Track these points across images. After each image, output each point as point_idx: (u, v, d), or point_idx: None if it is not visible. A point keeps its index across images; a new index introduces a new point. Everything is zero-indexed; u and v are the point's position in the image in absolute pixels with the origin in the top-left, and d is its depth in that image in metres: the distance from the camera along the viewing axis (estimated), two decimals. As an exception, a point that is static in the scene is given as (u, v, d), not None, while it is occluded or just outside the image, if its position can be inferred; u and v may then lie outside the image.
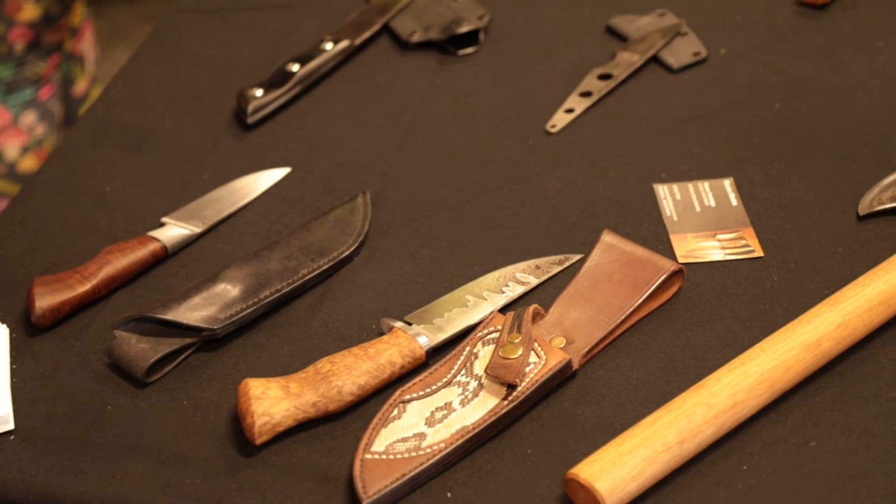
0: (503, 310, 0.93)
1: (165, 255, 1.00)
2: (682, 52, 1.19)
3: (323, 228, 1.00)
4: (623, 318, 0.90)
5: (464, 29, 1.21)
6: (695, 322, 0.91)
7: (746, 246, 0.97)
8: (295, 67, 1.16)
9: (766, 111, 1.11)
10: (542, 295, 0.95)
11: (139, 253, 0.98)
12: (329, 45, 1.20)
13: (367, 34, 1.23)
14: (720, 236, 0.98)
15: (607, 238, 0.96)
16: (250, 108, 1.13)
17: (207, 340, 0.91)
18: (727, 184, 1.03)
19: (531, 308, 0.90)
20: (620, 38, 1.22)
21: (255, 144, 1.12)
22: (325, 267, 0.97)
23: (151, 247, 0.99)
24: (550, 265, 0.97)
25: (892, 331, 0.88)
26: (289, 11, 1.29)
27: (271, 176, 1.08)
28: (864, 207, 0.98)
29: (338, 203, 1.03)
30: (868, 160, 1.04)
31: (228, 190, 1.06)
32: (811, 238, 0.97)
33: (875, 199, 0.99)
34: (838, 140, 1.06)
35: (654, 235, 0.99)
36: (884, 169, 1.02)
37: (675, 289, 0.93)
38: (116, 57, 2.34)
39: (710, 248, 0.97)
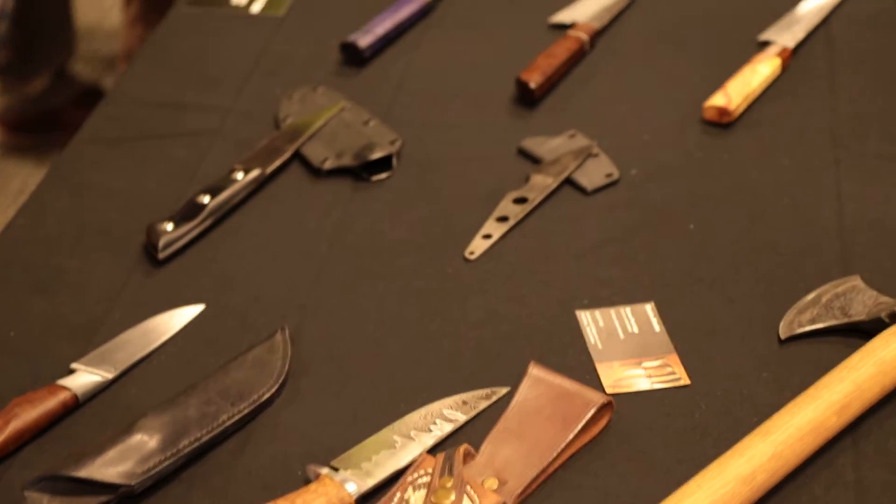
0: (432, 450, 0.91)
1: (76, 405, 0.96)
2: (594, 173, 1.19)
3: (241, 370, 0.97)
4: (555, 455, 0.88)
5: (377, 155, 1.20)
6: (627, 456, 0.90)
7: (672, 374, 0.97)
8: (206, 199, 1.14)
9: (680, 232, 1.11)
10: (471, 432, 0.93)
11: (49, 404, 0.94)
12: (240, 175, 1.17)
13: (278, 162, 1.21)
14: (646, 364, 0.98)
15: (534, 371, 0.95)
16: (161, 243, 1.10)
17: (124, 497, 0.87)
18: (649, 309, 1.03)
19: (461, 448, 0.88)
20: (533, 160, 1.22)
21: (166, 281, 1.09)
22: (246, 411, 0.94)
23: (61, 396, 0.95)
24: (477, 400, 0.95)
25: (822, 459, 0.88)
26: (194, 139, 1.27)
27: (185, 314, 1.05)
28: (784, 330, 0.99)
29: (255, 341, 1.01)
30: (784, 281, 1.05)
31: (141, 330, 1.03)
32: (735, 363, 0.97)
33: (794, 321, 1.00)
34: (754, 261, 1.08)
35: (580, 365, 0.98)
36: (799, 289, 1.03)
37: (605, 421, 0.92)
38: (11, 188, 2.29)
39: (637, 377, 0.97)
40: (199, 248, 1.12)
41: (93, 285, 1.08)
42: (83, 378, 0.97)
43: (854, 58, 1.34)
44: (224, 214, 1.16)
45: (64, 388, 0.95)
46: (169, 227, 1.11)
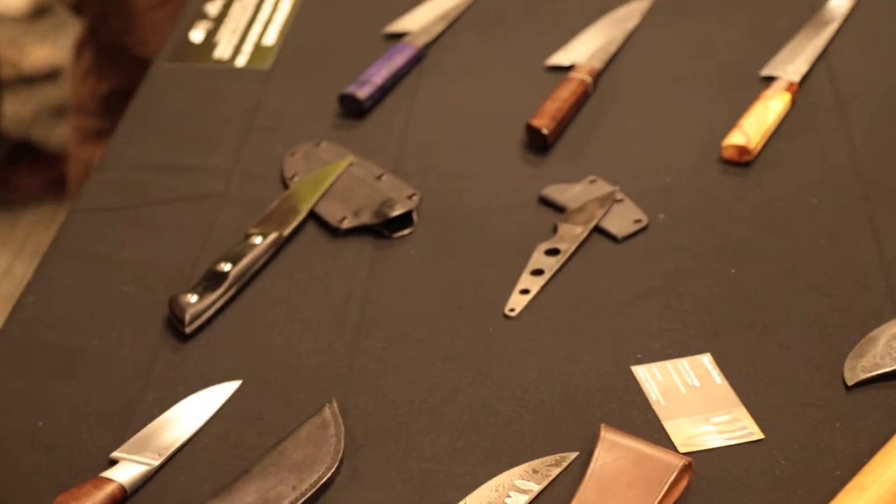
0: (511, 525, 0.86)
1: (125, 497, 0.89)
2: (623, 220, 1.17)
3: (296, 450, 0.92)
4: (644, 523, 0.85)
5: (397, 212, 1.16)
6: (714, 519, 0.87)
7: (744, 428, 0.94)
8: (226, 267, 1.09)
9: (723, 278, 1.09)
10: (545, 502, 0.89)
11: (96, 499, 0.88)
12: (258, 239, 1.12)
13: (294, 223, 1.16)
14: (714, 419, 0.95)
15: (608, 435, 0.91)
16: (188, 316, 1.04)
17: None
18: (706, 360, 1.00)
19: (546, 522, 0.84)
20: (556, 208, 1.19)
21: (197, 356, 1.03)
22: (309, 493, 0.88)
23: (108, 489, 0.89)
24: (548, 467, 0.91)
25: (916, 509, 0.86)
26: (201, 203, 1.21)
27: (223, 391, 0.99)
28: (850, 377, 0.97)
29: (302, 416, 0.95)
30: (836, 323, 1.03)
31: (179, 412, 0.97)
32: (805, 414, 0.95)
33: (858, 366, 0.97)
34: (802, 305, 1.05)
35: (646, 423, 0.95)
36: (853, 331, 1.01)
37: (685, 483, 0.89)
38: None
39: (708, 434, 0.93)
40: (226, 319, 1.07)
41: (119, 365, 1.02)
42: (128, 468, 0.90)
43: (859, 88, 1.33)
44: (247, 282, 1.10)
45: (109, 480, 0.89)
46: (193, 298, 1.05)
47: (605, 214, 1.17)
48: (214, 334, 1.05)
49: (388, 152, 1.28)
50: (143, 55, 1.90)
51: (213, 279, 1.08)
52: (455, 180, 1.24)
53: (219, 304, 1.07)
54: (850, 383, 0.96)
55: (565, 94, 1.32)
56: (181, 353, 1.03)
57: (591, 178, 1.22)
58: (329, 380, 1.00)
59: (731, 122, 1.26)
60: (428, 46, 1.44)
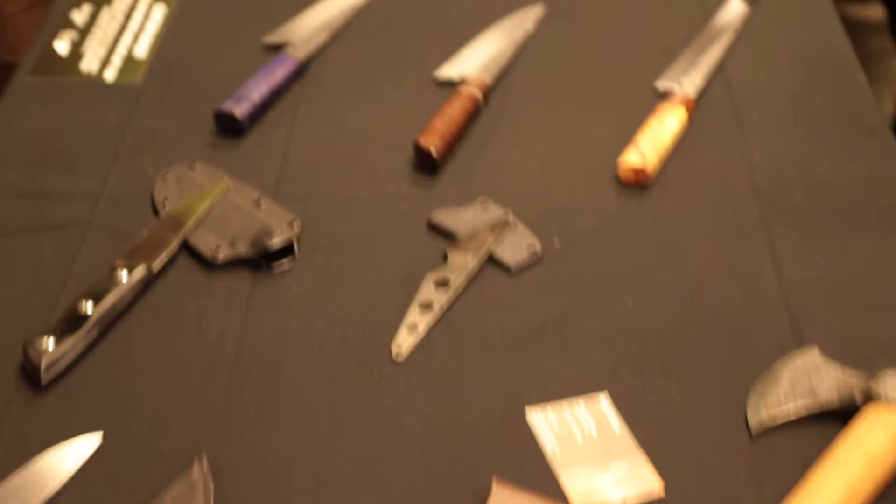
0: None
1: (-33, 578, 0.81)
2: (515, 246, 1.11)
3: (160, 515, 0.84)
4: (539, 590, 0.79)
5: (276, 241, 1.08)
6: (614, 580, 0.81)
7: (643, 480, 0.88)
8: (88, 306, 1.00)
9: (619, 310, 1.04)
10: (434, 565, 0.82)
11: (-66, 582, 0.79)
12: (124, 275, 1.04)
13: (164, 255, 1.08)
14: (613, 467, 0.89)
15: (500, 489, 0.85)
16: (43, 364, 0.95)
17: None
18: (604, 402, 0.95)
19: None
20: (446, 234, 1.12)
21: (53, 408, 0.94)
22: (175, 567, 0.81)
23: (-51, 570, 0.80)
24: (437, 527, 0.85)
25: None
26: (62, 233, 1.12)
27: (80, 447, 0.91)
28: (754, 423, 0.92)
29: (170, 474, 0.88)
30: (738, 357, 0.98)
31: (30, 473, 0.88)
32: (708, 461, 0.90)
33: (761, 407, 0.93)
34: (701, 338, 1.01)
35: (541, 473, 0.89)
36: (756, 364, 0.97)
37: (582, 541, 0.83)
38: None
39: (607, 487, 0.88)
40: (86, 365, 0.98)
41: (-35, 422, 0.93)
42: (-28, 544, 0.82)
43: (756, 101, 1.29)
44: (110, 322, 1.02)
45: (-50, 559, 0.80)
46: (49, 343, 0.96)
47: (496, 240, 1.11)
48: (73, 382, 0.97)
49: (268, 174, 1.20)
50: (12, 63, 1.78)
51: (73, 320, 0.99)
52: (339, 204, 1.17)
53: (78, 349, 0.98)
54: (754, 432, 0.91)
55: (454, 110, 1.25)
56: (35, 406, 0.95)
57: (483, 199, 1.16)
58: (199, 432, 0.92)
59: (627, 138, 1.21)
60: (310, 58, 1.36)
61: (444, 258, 1.09)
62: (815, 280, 1.06)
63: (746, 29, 1.40)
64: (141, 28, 1.43)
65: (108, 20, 1.44)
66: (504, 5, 1.45)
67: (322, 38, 1.39)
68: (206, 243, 1.10)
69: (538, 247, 1.10)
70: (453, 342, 1.01)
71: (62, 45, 1.39)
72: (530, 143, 1.25)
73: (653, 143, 1.20)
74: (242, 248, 1.08)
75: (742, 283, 1.06)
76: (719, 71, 1.33)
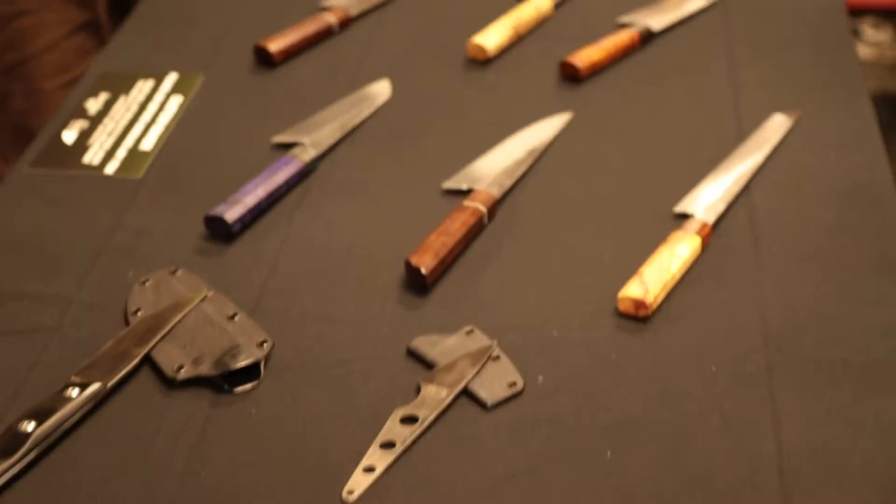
0: None
1: None
2: (495, 382, 1.03)
3: None
4: None
5: (241, 363, 1.03)
6: None
7: None
8: (30, 426, 0.95)
9: (596, 462, 0.95)
10: None
11: None
12: (74, 392, 0.99)
13: (123, 372, 1.03)
14: None
15: None
16: (-29, 489, 0.90)
17: None
18: (561, 571, 0.86)
19: None
20: (425, 364, 1.06)
21: (-23, 536, 0.90)
22: None
23: None
24: None
25: None
26: (27, 340, 1.07)
27: (-4, 584, 0.85)
28: None
29: None
30: (719, 527, 0.89)
31: None
32: None
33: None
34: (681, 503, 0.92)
35: None
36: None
37: None
38: None
39: None
40: (18, 491, 0.93)
41: None
42: None
43: (779, 232, 1.20)
44: (53, 443, 0.96)
45: None
46: (-18, 465, 0.92)
47: (476, 375, 1.04)
48: (3, 509, 0.92)
49: (252, 284, 1.15)
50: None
51: (12, 440, 0.94)
52: (318, 323, 1.11)
53: (12, 473, 0.93)
54: None
55: (454, 226, 1.19)
56: (-42, 533, 0.90)
57: (469, 328, 1.09)
58: (124, 574, 0.87)
59: (636, 266, 1.13)
60: (317, 160, 1.32)
61: (417, 391, 1.02)
62: (817, 445, 0.96)
63: (782, 148, 1.31)
64: (153, 120, 1.39)
65: (122, 110, 1.41)
66: (530, 111, 1.39)
67: (332, 138, 1.35)
68: (169, 360, 1.04)
69: (520, 385, 1.03)
70: (411, 486, 0.94)
71: (70, 135, 1.37)
72: (531, 266, 1.18)
73: (659, 274, 1.12)
74: (205, 368, 1.03)
75: (735, 441, 0.97)
76: (745, 192, 1.25)
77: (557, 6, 1.60)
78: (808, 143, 1.33)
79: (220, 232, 1.21)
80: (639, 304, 1.09)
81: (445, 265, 1.16)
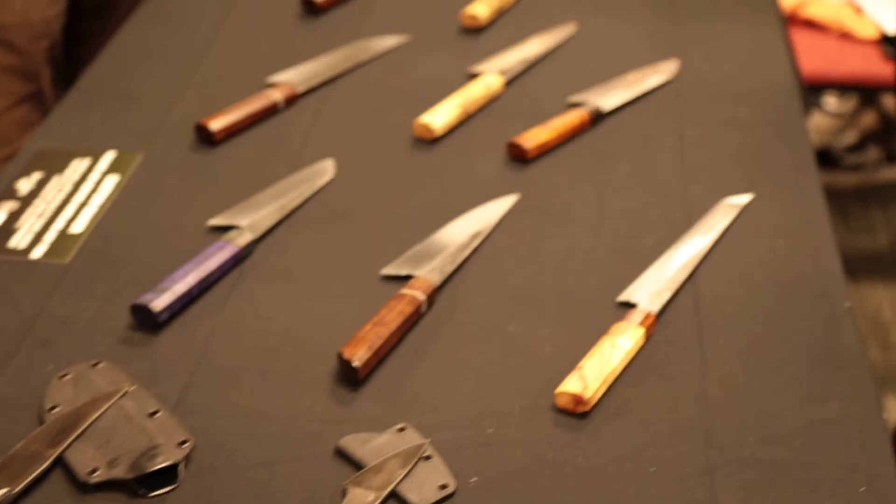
0: None
1: None
2: (426, 484, 0.99)
3: None
4: None
5: (158, 465, 0.98)
6: None
7: None
8: (-71, 535, 0.90)
9: (527, 574, 0.91)
10: None
11: None
12: (-20, 497, 0.94)
13: (33, 475, 0.97)
14: None
15: None
16: None
17: None
18: None
19: None
20: (353, 464, 1.01)
21: None
22: None
23: None
24: None
25: None
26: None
27: None
28: None
29: None
30: None
31: None
32: None
33: None
34: None
35: None
36: None
37: None
38: None
39: None
40: None
41: None
42: None
43: (725, 323, 1.17)
44: (-47, 555, 0.92)
45: None
46: None
47: (406, 476, 0.99)
48: None
49: (177, 378, 1.11)
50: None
51: None
52: (244, 419, 1.06)
53: None
54: None
55: (391, 315, 1.15)
56: None
57: (401, 425, 1.04)
58: None
59: (577, 357, 1.10)
60: (253, 244, 1.28)
61: (343, 493, 0.98)
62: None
63: (731, 233, 1.29)
64: (86, 201, 1.35)
65: (55, 190, 1.37)
66: (476, 193, 1.36)
67: (272, 221, 1.31)
68: (82, 462, 0.99)
69: (452, 487, 0.99)
70: None
71: (-1, 216, 1.33)
72: (469, 357, 1.14)
73: (600, 367, 1.08)
74: (120, 471, 0.98)
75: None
76: (691, 279, 1.22)
77: (508, 84, 1.58)
78: (757, 228, 1.30)
79: (146, 321, 1.16)
80: (577, 399, 1.06)
81: (380, 357, 1.12)
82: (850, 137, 2.96)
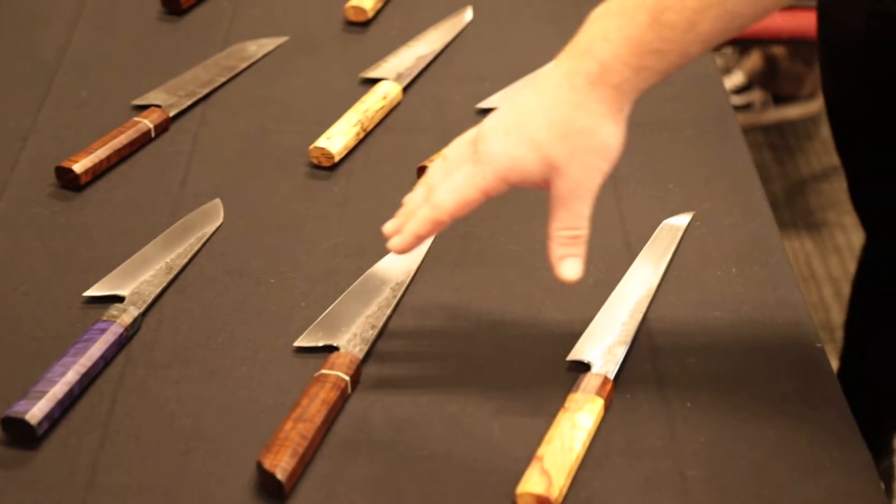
0: None
1: None
2: None
3: None
4: None
5: None
6: None
7: None
8: None
9: None
10: None
11: None
12: None
13: None
14: None
15: None
16: None
17: None
18: None
19: None
20: None
21: None
22: None
23: None
24: None
25: None
26: None
27: None
28: None
29: None
30: None
31: None
32: None
33: None
34: None
35: None
36: None
37: None
38: None
39: None
40: None
41: None
42: None
43: (687, 382, 1.03)
44: None
45: None
46: None
47: None
48: None
49: (67, 499, 0.93)
50: None
51: None
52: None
53: None
54: None
55: (313, 406, 0.99)
56: None
57: (339, 552, 0.89)
58: None
59: (533, 440, 0.96)
60: (140, 317, 1.09)
61: None
62: None
63: (677, 265, 1.16)
64: (-67, 274, 1.15)
65: None
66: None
67: (158, 287, 1.13)
68: None
69: None
70: None
71: None
72: (407, 452, 0.98)
73: (562, 456, 0.95)
74: None
75: None
76: (645, 327, 1.09)
77: (406, 89, 1.41)
78: (704, 254, 1.17)
79: (21, 435, 0.98)
80: (542, 501, 0.92)
81: (306, 462, 0.96)
82: (737, 79, 2.88)
